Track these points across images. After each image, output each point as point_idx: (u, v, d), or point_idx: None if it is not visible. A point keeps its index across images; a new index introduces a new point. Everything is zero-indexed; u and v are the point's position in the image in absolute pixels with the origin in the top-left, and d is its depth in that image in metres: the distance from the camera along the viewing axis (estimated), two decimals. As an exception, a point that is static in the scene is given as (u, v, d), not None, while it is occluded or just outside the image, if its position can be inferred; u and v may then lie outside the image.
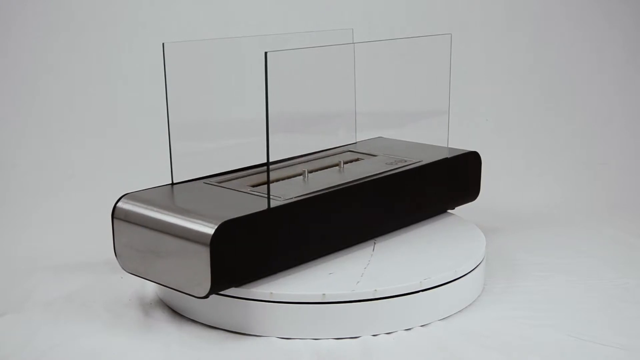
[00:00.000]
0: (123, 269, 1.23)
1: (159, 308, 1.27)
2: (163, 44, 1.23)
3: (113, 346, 1.14)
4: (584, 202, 1.84)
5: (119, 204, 1.24)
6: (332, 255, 1.29)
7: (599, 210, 1.78)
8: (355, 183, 1.32)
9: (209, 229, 1.10)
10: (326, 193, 1.27)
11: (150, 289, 1.34)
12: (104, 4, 2.08)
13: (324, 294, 1.15)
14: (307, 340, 1.15)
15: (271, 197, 1.21)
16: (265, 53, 1.08)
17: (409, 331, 1.18)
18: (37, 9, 2.04)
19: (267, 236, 1.17)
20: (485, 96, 2.17)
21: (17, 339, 1.16)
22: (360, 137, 1.65)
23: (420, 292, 1.19)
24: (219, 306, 1.18)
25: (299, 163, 1.46)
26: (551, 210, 1.79)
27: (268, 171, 1.18)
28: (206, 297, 1.11)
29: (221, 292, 1.15)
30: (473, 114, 2.15)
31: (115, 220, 1.23)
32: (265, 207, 1.17)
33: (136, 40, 2.09)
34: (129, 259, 1.22)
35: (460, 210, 1.59)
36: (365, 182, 1.33)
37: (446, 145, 1.55)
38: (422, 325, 1.20)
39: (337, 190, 1.28)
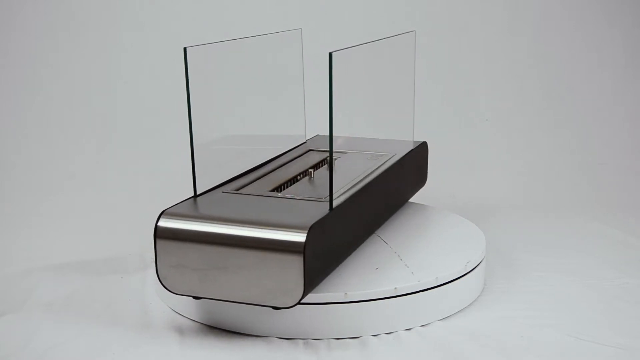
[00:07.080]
0: (171, 291, 1.14)
1: (159, 308, 1.27)
2: (185, 48, 1.16)
3: (113, 346, 1.14)
4: (584, 202, 1.84)
5: (161, 223, 1.13)
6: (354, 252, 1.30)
7: (599, 210, 1.78)
8: (374, 176, 1.33)
9: (300, 237, 1.06)
10: (361, 188, 1.26)
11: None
12: (104, 4, 2.09)
13: (395, 288, 1.16)
14: (307, 340, 1.15)
15: (317, 198, 1.21)
16: (330, 54, 1.07)
17: (409, 331, 1.18)
18: (37, 9, 2.05)
19: (331, 236, 1.16)
20: (485, 96, 2.17)
21: (17, 339, 1.16)
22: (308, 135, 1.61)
23: (420, 292, 1.19)
24: (293, 315, 1.15)
25: (283, 165, 1.42)
26: (551, 210, 1.79)
27: (331, 173, 1.15)
28: (293, 306, 1.09)
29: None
30: (472, 113, 2.15)
31: (159, 241, 1.13)
32: (327, 208, 1.15)
33: (137, 40, 2.09)
34: (181, 279, 1.12)
35: (459, 210, 1.60)
36: (380, 175, 1.34)
37: (403, 138, 1.54)
38: (422, 325, 1.20)
39: (368, 184, 1.29)
